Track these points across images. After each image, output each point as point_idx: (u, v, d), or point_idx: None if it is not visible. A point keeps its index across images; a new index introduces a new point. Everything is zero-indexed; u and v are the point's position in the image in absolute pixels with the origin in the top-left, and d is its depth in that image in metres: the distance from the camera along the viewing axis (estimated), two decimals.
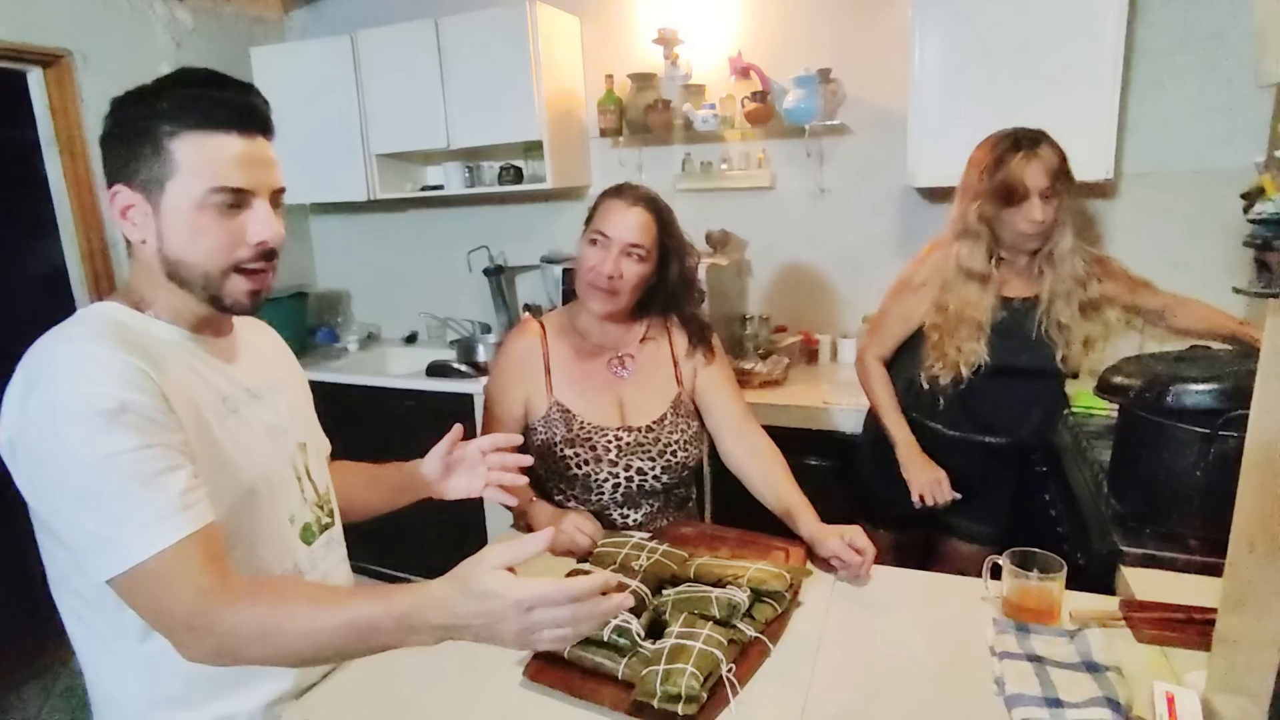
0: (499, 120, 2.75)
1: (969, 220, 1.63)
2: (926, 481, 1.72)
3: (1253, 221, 0.67)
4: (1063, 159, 1.58)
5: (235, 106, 0.88)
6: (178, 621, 0.79)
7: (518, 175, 2.98)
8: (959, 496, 1.73)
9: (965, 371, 1.65)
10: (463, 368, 2.85)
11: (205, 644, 0.79)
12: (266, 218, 0.90)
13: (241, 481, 0.93)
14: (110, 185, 0.88)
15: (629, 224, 1.36)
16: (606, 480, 1.40)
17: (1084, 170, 2.12)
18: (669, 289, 1.46)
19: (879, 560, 1.26)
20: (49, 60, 2.53)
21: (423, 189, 3.19)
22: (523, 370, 1.45)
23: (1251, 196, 0.69)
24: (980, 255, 1.64)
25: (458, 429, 1.19)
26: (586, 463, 1.40)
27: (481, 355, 2.99)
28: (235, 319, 1.03)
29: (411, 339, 3.48)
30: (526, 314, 1.57)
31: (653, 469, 1.41)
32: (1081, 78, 2.05)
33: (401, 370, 3.12)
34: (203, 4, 3.05)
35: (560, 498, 1.46)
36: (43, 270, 3.41)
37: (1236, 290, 0.71)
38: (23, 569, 0.82)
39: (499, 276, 3.14)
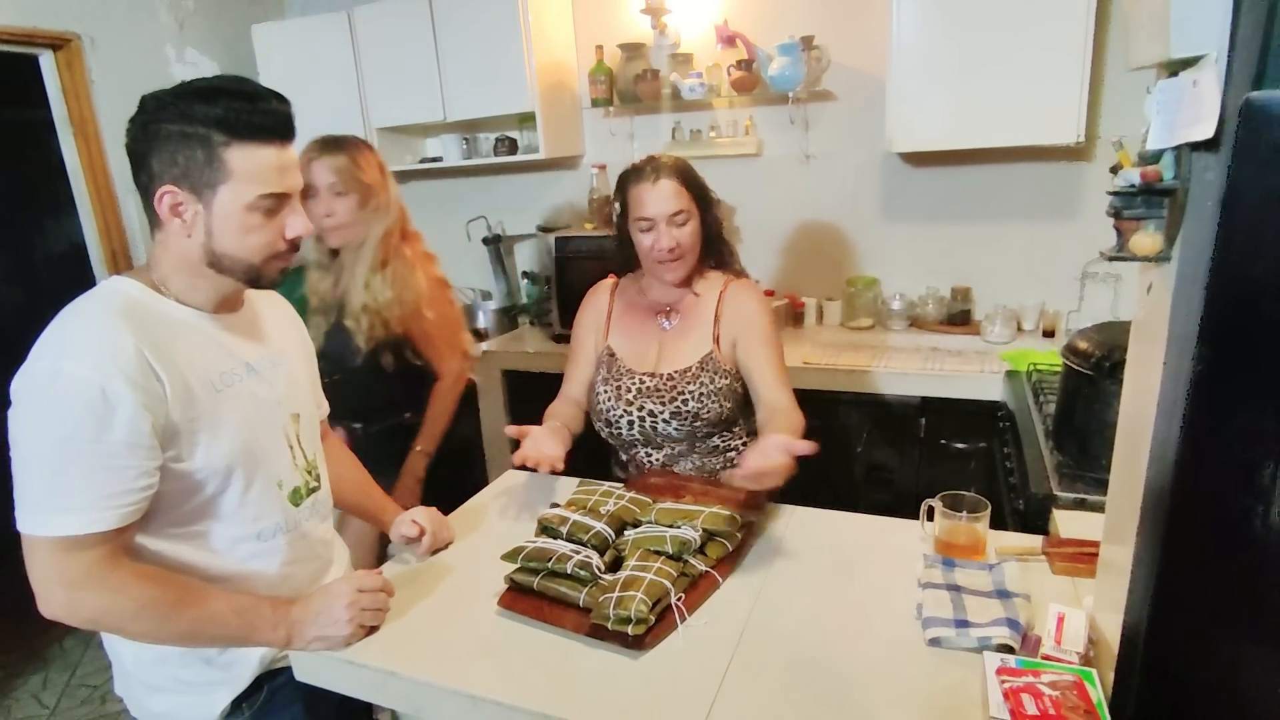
0: (493, 92, 2.83)
1: None
2: None
3: (1110, 194, 0.75)
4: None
5: (278, 118, 0.99)
6: (39, 591, 0.93)
7: (512, 146, 3.06)
8: None
9: None
10: None
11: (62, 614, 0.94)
12: (299, 216, 1.05)
13: (228, 449, 1.04)
14: (157, 184, 0.96)
15: (661, 197, 1.49)
16: (623, 417, 1.56)
17: (1053, 133, 2.18)
18: (711, 234, 1.58)
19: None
20: (59, 44, 2.63)
21: (422, 161, 3.28)
22: (592, 318, 1.68)
23: (1117, 170, 0.77)
24: None
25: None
26: (609, 398, 1.57)
27: (482, 321, 3.11)
28: (248, 293, 1.15)
29: None
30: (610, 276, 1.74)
31: (661, 413, 1.53)
32: (1052, 45, 2.08)
33: None
34: None
35: (596, 427, 1.64)
36: (63, 248, 3.56)
37: (1102, 254, 0.79)
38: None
39: (497, 245, 3.23)
